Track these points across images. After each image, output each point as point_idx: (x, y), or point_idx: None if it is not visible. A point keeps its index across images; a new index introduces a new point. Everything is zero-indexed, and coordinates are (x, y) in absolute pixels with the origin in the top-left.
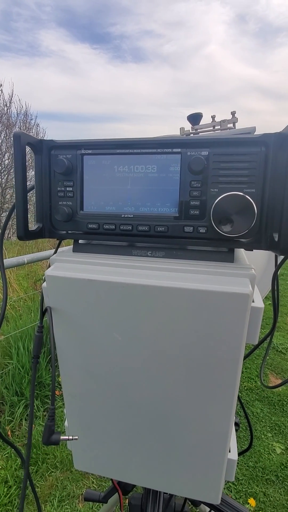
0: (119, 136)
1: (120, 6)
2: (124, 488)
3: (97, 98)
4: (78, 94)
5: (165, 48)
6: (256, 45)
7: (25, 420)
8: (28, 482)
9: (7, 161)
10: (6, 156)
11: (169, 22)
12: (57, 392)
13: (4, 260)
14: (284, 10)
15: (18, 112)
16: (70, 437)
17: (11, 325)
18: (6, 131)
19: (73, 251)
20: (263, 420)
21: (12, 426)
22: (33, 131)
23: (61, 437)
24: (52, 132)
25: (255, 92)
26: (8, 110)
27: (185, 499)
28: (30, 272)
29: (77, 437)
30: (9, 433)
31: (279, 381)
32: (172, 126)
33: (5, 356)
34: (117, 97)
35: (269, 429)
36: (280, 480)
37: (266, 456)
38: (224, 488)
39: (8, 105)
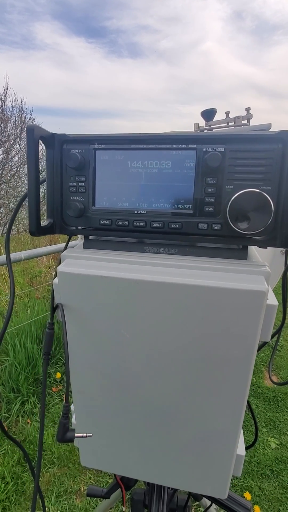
0: (115, 131)
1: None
2: (127, 483)
3: (93, 93)
4: (74, 88)
5: (162, 44)
6: (252, 43)
7: (22, 416)
8: (34, 481)
9: (1, 156)
10: (0, 151)
11: (166, 18)
12: (53, 389)
13: (0, 257)
14: (281, 8)
15: (13, 106)
16: (85, 434)
17: None
18: (0, 126)
19: (83, 247)
20: (258, 416)
21: (9, 423)
22: None
23: (76, 435)
24: (48, 127)
25: (251, 90)
26: (3, 104)
27: (188, 494)
28: (26, 269)
29: (91, 434)
30: (6, 429)
31: (274, 378)
32: (169, 122)
33: (1, 353)
34: (113, 93)
35: (264, 425)
36: (275, 474)
37: (261, 451)
38: None
39: (3, 99)
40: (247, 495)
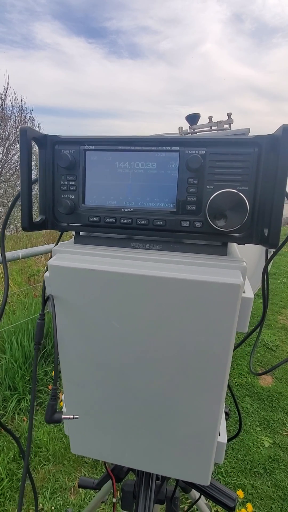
0: (114, 132)
1: (116, 0)
2: (117, 475)
3: (93, 93)
4: (73, 88)
5: (161, 45)
6: (252, 45)
7: (18, 414)
8: (27, 476)
9: (0, 155)
10: (0, 150)
11: (165, 19)
12: (49, 387)
13: None
14: (280, 11)
15: (13, 106)
16: (71, 416)
17: (5, 319)
18: (0, 125)
19: (74, 243)
20: (252, 415)
21: (5, 421)
22: (29, 125)
23: (63, 416)
24: (47, 126)
25: (250, 92)
26: (3, 103)
27: (176, 484)
28: (24, 268)
29: (78, 416)
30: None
31: (269, 378)
32: (168, 123)
33: None
34: (113, 93)
35: (258, 424)
36: (268, 472)
37: (255, 449)
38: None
39: (3, 98)
40: (240, 493)
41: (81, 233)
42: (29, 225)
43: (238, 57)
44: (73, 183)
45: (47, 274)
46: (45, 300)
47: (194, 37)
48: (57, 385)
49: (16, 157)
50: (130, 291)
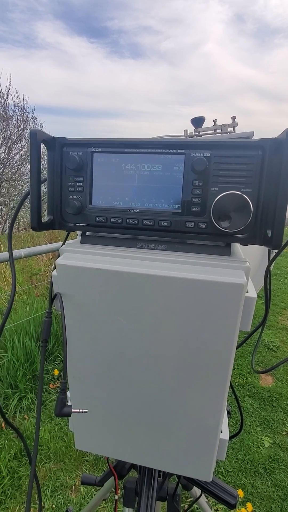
0: (116, 131)
1: (118, 0)
2: (120, 472)
3: (94, 93)
4: (75, 88)
5: (163, 45)
6: (253, 46)
7: (19, 412)
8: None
9: (2, 154)
10: (2, 149)
11: (167, 19)
12: (51, 386)
13: (1, 254)
14: (282, 12)
15: (15, 105)
16: (81, 410)
17: None
18: (2, 124)
19: (80, 243)
20: (252, 415)
21: None
22: (30, 124)
23: (72, 410)
24: (49, 126)
25: (251, 92)
26: (5, 102)
27: (177, 482)
28: (26, 267)
29: (87, 410)
30: (3, 425)
31: (270, 378)
32: (169, 123)
33: (0, 349)
34: (114, 93)
35: (258, 424)
36: (268, 472)
37: (255, 449)
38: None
39: (5, 97)
40: (240, 493)
41: (87, 233)
42: (38, 225)
43: (239, 58)
44: (81, 184)
45: (54, 273)
46: (53, 298)
47: (195, 37)
48: (66, 379)
49: (18, 156)
50: (136, 290)
